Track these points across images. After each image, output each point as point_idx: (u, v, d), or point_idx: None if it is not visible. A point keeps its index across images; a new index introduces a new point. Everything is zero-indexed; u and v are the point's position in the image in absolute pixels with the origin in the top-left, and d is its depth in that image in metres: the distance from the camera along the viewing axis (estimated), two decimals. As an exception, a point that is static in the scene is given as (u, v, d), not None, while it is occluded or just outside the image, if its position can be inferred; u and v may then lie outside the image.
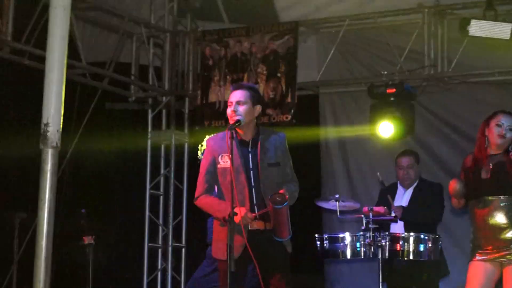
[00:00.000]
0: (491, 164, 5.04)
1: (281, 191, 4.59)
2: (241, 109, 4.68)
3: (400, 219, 6.02)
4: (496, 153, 5.08)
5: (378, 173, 6.24)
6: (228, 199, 4.55)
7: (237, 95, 4.74)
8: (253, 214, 4.59)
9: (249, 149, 4.72)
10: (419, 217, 6.04)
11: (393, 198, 6.28)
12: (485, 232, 4.95)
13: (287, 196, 4.57)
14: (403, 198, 6.32)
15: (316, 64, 8.41)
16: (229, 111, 4.74)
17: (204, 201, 4.70)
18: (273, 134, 4.84)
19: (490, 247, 4.94)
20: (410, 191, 6.36)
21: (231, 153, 4.52)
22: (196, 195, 4.75)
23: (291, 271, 4.74)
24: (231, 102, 4.74)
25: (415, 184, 6.38)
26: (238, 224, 4.51)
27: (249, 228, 4.62)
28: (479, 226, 4.99)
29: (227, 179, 4.59)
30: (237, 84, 4.96)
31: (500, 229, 4.93)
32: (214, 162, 4.71)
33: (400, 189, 6.42)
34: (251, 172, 4.67)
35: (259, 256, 4.57)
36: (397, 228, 6.07)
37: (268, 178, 4.65)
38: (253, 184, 4.66)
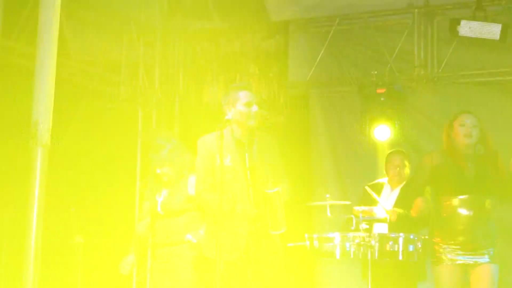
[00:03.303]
0: (469, 164, 5.08)
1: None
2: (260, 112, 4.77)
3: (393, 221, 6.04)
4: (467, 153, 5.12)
5: (366, 187, 6.22)
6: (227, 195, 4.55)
7: (252, 96, 4.75)
8: None
9: (246, 149, 4.75)
10: (411, 219, 6.04)
11: (379, 196, 6.27)
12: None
13: (278, 184, 4.60)
14: (389, 197, 6.30)
15: (306, 64, 8.41)
16: (252, 111, 4.72)
17: (205, 196, 4.69)
18: (265, 135, 4.90)
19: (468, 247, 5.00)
20: (397, 191, 6.34)
21: (221, 152, 4.55)
22: (196, 193, 4.75)
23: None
24: (250, 103, 4.72)
25: (402, 184, 6.36)
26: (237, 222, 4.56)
27: (247, 229, 4.65)
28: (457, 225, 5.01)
29: (226, 177, 4.60)
30: (246, 84, 4.97)
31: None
32: (212, 161, 4.71)
33: (386, 188, 6.39)
34: (248, 171, 4.71)
35: (255, 259, 4.59)
36: (381, 227, 6.07)
37: (263, 178, 4.68)
38: (250, 183, 4.68)
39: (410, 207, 6.07)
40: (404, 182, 6.35)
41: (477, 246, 5.02)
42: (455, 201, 5.09)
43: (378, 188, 6.37)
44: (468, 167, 5.08)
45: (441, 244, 5.00)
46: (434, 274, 5.03)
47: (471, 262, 5.00)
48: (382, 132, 7.54)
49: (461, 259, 4.98)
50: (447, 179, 5.07)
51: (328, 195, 5.71)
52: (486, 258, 5.01)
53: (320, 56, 8.04)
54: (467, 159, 5.13)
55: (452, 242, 5.00)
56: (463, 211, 5.05)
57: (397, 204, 6.21)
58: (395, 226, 5.97)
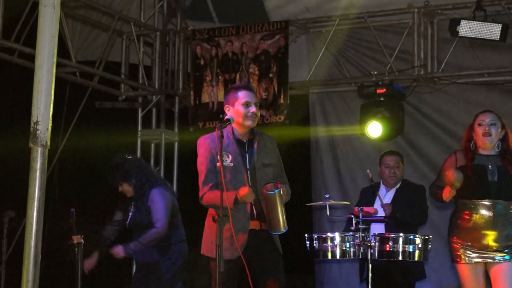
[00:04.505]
0: (490, 166, 5.07)
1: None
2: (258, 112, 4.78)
3: (389, 217, 6.02)
4: (489, 154, 5.12)
5: (368, 170, 6.22)
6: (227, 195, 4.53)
7: (251, 96, 4.75)
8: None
9: (246, 149, 4.75)
10: (407, 216, 6.05)
11: (375, 198, 6.27)
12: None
13: (280, 184, 4.58)
14: (385, 198, 6.30)
15: (306, 64, 8.42)
16: (249, 112, 4.72)
17: (209, 196, 4.67)
18: (265, 136, 4.88)
19: (479, 248, 5.01)
20: (392, 192, 6.33)
21: (221, 152, 4.54)
22: (200, 195, 4.73)
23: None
24: (249, 103, 4.72)
25: (398, 185, 6.36)
26: (238, 221, 4.54)
27: (248, 228, 4.64)
28: (472, 227, 5.04)
29: (227, 177, 4.59)
30: (246, 84, 5.00)
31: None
32: (214, 160, 4.70)
33: (382, 189, 6.39)
34: (248, 172, 4.69)
35: (255, 258, 4.59)
36: (378, 228, 6.07)
37: (263, 178, 4.68)
38: (250, 184, 4.67)
39: (407, 207, 6.08)
40: (400, 183, 6.36)
41: (497, 246, 5.04)
42: (477, 204, 5.08)
43: (374, 189, 6.36)
44: (491, 171, 5.07)
45: (460, 244, 5.05)
46: (458, 272, 5.10)
47: (491, 260, 5.04)
48: (381, 131, 7.54)
49: (481, 258, 5.03)
50: (470, 182, 5.04)
51: (327, 195, 5.70)
52: (506, 257, 5.04)
53: (320, 56, 8.04)
54: (489, 161, 5.11)
55: (471, 243, 5.04)
56: (484, 214, 5.05)
57: (394, 204, 6.21)
58: (391, 226, 5.98)
